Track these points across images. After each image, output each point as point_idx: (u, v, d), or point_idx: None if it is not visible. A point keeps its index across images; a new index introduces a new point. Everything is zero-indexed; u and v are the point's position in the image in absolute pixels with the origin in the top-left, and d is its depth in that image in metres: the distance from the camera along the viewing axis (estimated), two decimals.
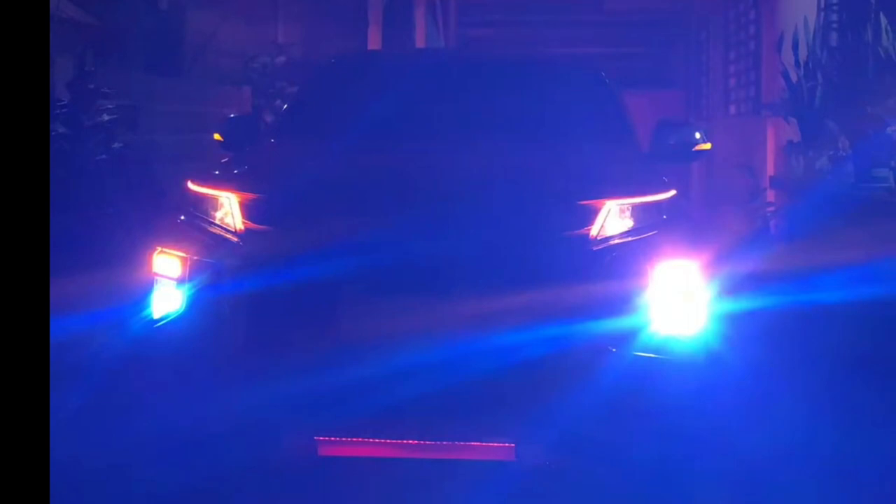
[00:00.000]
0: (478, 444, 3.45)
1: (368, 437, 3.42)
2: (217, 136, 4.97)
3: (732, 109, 12.37)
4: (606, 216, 3.58)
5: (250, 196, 3.71)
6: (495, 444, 3.45)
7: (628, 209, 3.64)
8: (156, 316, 3.66)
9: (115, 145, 6.71)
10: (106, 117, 6.69)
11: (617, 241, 3.57)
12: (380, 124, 4.43)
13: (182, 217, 3.89)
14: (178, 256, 3.66)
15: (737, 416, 3.86)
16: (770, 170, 9.78)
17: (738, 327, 3.93)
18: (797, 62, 8.18)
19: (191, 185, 3.92)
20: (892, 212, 6.28)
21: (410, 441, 3.42)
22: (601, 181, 3.82)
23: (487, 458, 3.51)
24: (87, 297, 4.97)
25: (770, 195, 9.32)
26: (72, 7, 7.83)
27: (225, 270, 3.56)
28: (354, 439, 3.44)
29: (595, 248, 3.54)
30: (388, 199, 3.62)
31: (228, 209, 3.71)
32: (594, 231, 3.55)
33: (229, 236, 3.67)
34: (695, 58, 14.59)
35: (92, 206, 6.18)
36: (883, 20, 7.19)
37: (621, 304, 3.46)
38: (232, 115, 5.90)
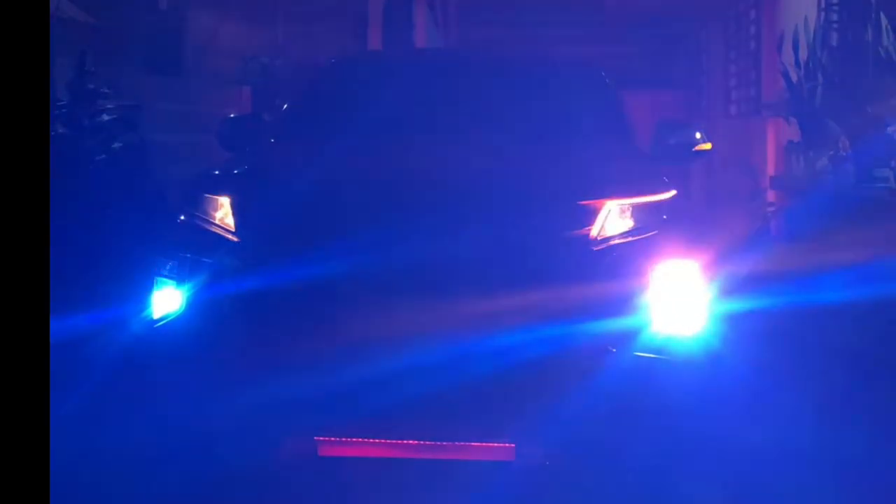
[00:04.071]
0: (478, 444, 3.45)
1: (368, 437, 3.42)
2: (217, 137, 4.97)
3: (732, 109, 12.37)
4: (606, 216, 3.58)
5: (250, 196, 3.71)
6: (495, 444, 3.45)
7: (628, 209, 3.64)
8: (156, 316, 3.66)
9: (115, 145, 6.70)
10: (106, 117, 6.69)
11: (617, 241, 3.58)
12: (380, 125, 4.43)
13: (182, 217, 3.89)
14: (178, 256, 3.66)
15: (737, 416, 3.86)
16: (770, 170, 9.78)
17: (738, 327, 3.92)
18: (797, 62, 8.18)
19: (191, 186, 3.92)
20: (893, 212, 6.28)
21: (410, 441, 3.42)
22: (601, 181, 3.82)
23: (487, 458, 3.50)
24: (87, 297, 4.97)
25: (770, 195, 9.32)
26: (72, 7, 7.83)
27: (225, 270, 3.56)
28: (354, 439, 3.44)
29: (595, 248, 3.54)
30: (388, 199, 3.62)
31: (228, 209, 3.71)
32: (594, 231, 3.55)
33: (229, 236, 3.67)
34: (695, 58, 14.58)
35: (92, 206, 6.18)
36: (883, 20, 7.19)
37: (621, 304, 3.46)
38: (232, 115, 5.89)
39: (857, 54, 7.43)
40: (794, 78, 8.21)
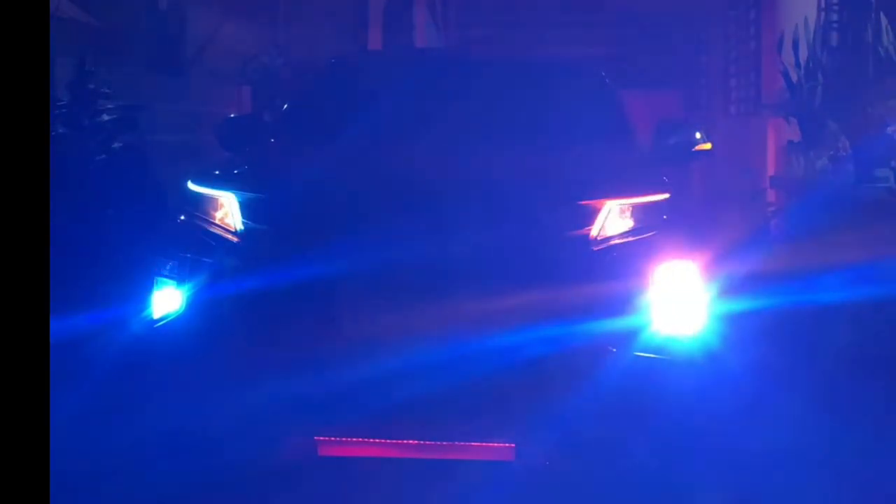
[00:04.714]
0: (478, 444, 3.45)
1: (368, 437, 3.42)
2: (217, 137, 4.97)
3: (732, 109, 12.36)
4: (606, 216, 3.58)
5: (250, 196, 3.71)
6: (495, 444, 3.46)
7: (628, 209, 3.64)
8: (156, 316, 3.66)
9: (115, 145, 6.70)
10: (106, 117, 6.68)
11: (617, 241, 3.58)
12: (379, 125, 4.43)
13: (182, 217, 3.89)
14: (178, 256, 3.66)
15: (736, 415, 3.86)
16: (770, 170, 9.77)
17: (738, 327, 3.92)
18: (797, 62, 8.17)
19: (191, 185, 3.92)
20: (893, 212, 6.28)
21: (410, 441, 3.42)
22: (601, 181, 3.82)
23: (487, 458, 3.51)
24: (87, 297, 4.97)
25: (770, 195, 9.31)
26: (72, 7, 7.83)
27: (225, 270, 3.56)
28: (354, 439, 3.44)
29: (595, 248, 3.54)
30: (388, 199, 3.62)
31: (228, 209, 3.71)
32: (594, 231, 3.56)
33: (229, 236, 3.67)
34: (695, 58, 14.57)
35: (92, 206, 6.18)
36: (883, 20, 7.19)
37: (621, 304, 3.46)
38: (232, 115, 5.90)
39: (857, 54, 7.43)
40: (794, 78, 8.20)
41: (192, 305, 3.57)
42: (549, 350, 3.34)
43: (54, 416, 2.57)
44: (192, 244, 3.69)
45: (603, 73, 5.18)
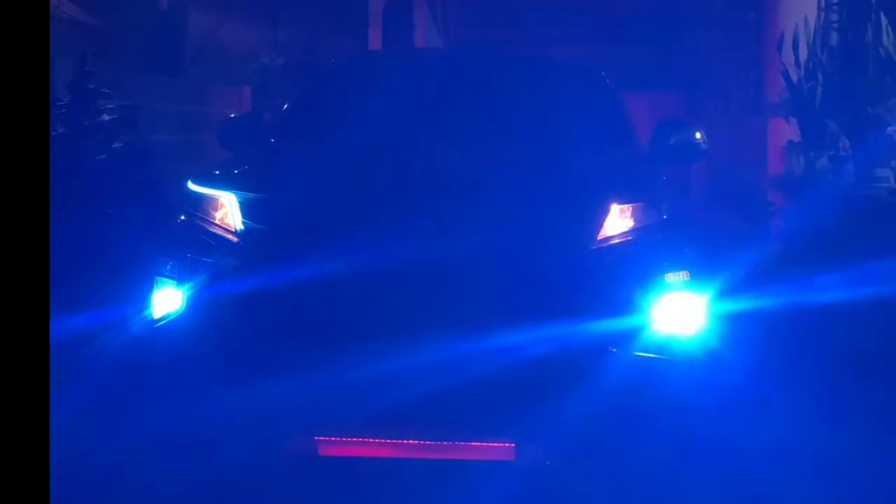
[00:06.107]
0: (478, 444, 3.45)
1: (368, 437, 3.42)
2: (217, 137, 4.97)
3: (732, 109, 12.37)
4: (607, 216, 3.58)
5: (250, 196, 3.72)
6: (495, 444, 3.46)
7: (629, 210, 3.64)
8: (156, 316, 3.66)
9: (115, 145, 6.70)
10: (106, 117, 6.68)
11: (617, 241, 3.58)
12: (380, 125, 4.43)
13: (182, 217, 3.90)
14: (178, 256, 3.66)
15: (736, 415, 3.86)
16: (770, 170, 9.78)
17: (738, 327, 3.93)
18: (797, 62, 8.18)
19: (191, 186, 3.92)
20: (893, 212, 6.29)
21: (410, 441, 3.42)
22: (601, 182, 3.82)
23: (487, 458, 3.50)
24: (87, 297, 4.98)
25: (770, 195, 9.32)
26: (72, 7, 7.84)
27: (225, 270, 3.56)
28: (354, 439, 3.44)
29: (595, 249, 3.54)
30: (388, 199, 3.63)
31: (228, 209, 3.71)
32: (594, 231, 3.56)
33: (229, 236, 3.67)
34: (695, 58, 14.58)
35: (92, 206, 6.18)
36: (883, 20, 7.20)
37: (621, 304, 3.46)
38: (232, 115, 5.90)
39: (857, 54, 7.43)
40: (794, 78, 8.21)
41: (192, 305, 3.57)
42: (549, 350, 3.33)
43: (54, 416, 2.57)
44: (192, 244, 3.69)
45: (603, 74, 5.18)
